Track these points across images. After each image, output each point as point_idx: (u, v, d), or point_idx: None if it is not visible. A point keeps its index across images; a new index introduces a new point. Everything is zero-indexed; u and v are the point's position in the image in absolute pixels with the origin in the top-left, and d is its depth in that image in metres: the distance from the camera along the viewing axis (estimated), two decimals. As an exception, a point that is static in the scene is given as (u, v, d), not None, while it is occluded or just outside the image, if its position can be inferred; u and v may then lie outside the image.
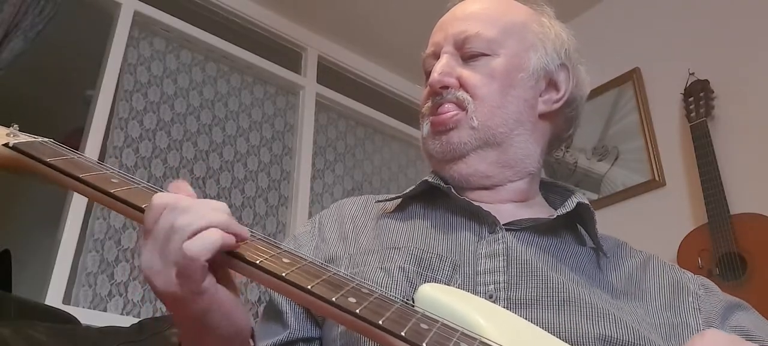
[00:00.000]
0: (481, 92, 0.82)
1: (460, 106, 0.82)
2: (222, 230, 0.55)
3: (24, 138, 0.66)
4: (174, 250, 0.54)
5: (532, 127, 0.85)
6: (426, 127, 0.86)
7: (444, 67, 0.83)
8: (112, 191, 0.59)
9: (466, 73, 0.83)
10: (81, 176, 0.60)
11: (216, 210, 0.56)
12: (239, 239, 0.56)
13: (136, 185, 0.61)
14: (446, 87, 0.83)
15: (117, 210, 0.59)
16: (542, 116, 0.87)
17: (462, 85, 0.83)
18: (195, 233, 0.54)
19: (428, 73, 0.88)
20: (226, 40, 2.52)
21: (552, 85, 0.88)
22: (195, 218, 0.54)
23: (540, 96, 0.86)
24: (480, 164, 0.82)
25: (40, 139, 0.66)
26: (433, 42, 0.88)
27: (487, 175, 0.83)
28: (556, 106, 0.87)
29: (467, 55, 0.84)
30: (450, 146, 0.82)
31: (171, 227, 0.54)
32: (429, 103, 0.86)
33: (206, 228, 0.54)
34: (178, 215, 0.55)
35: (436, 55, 0.86)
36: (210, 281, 0.55)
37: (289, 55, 2.77)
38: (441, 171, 0.85)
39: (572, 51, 0.90)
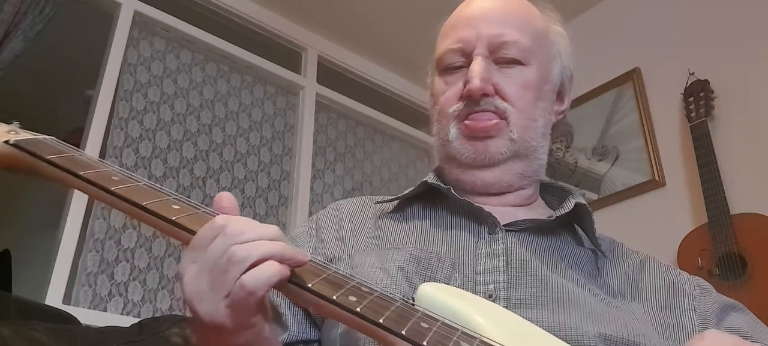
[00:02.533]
0: (519, 103, 0.80)
1: (500, 115, 0.80)
2: (279, 259, 0.53)
3: (25, 135, 0.65)
4: (230, 281, 0.51)
5: (548, 137, 0.86)
6: (454, 130, 0.82)
7: (483, 72, 0.80)
8: (113, 189, 0.58)
9: (503, 81, 0.81)
10: (82, 173, 0.59)
11: (273, 239, 0.54)
12: (297, 264, 0.54)
13: (137, 183, 0.60)
14: (486, 95, 0.80)
15: (118, 208, 0.59)
16: (552, 126, 0.88)
17: (498, 93, 0.81)
18: (253, 265, 0.52)
19: (449, 68, 0.85)
20: (226, 40, 2.51)
21: (559, 96, 0.88)
22: (253, 248, 0.52)
23: (554, 107, 0.87)
24: (506, 175, 0.82)
25: (41, 136, 0.65)
26: (459, 38, 0.84)
27: (509, 184, 0.82)
28: (561, 116, 0.89)
29: (502, 61, 0.82)
30: (487, 154, 0.80)
31: (227, 256, 0.52)
32: (459, 106, 0.82)
33: (264, 259, 0.52)
34: (232, 242, 0.52)
35: (463, 53, 0.83)
36: (259, 315, 0.54)
37: (289, 55, 2.77)
38: (460, 175, 0.83)
39: (571, 58, 0.90)
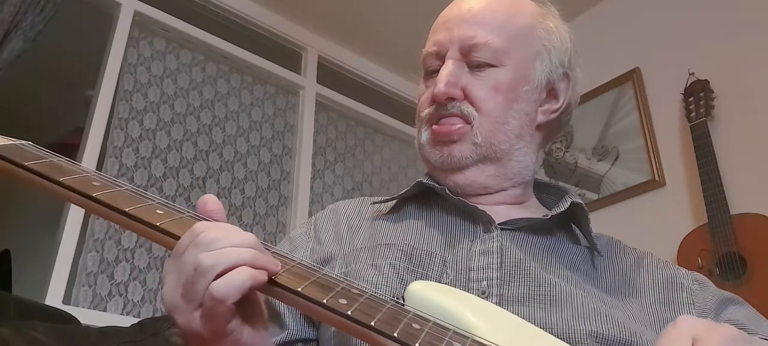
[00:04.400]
0: (486, 106, 0.80)
1: (465, 119, 0.80)
2: (250, 266, 0.52)
3: (1, 141, 0.62)
4: (199, 292, 0.51)
5: (530, 139, 0.84)
6: (425, 134, 0.84)
7: (450, 77, 0.80)
8: (94, 195, 0.57)
9: (472, 85, 0.81)
10: (61, 179, 0.58)
11: (242, 245, 0.53)
12: (269, 273, 0.53)
13: (119, 188, 0.59)
14: (452, 99, 0.80)
15: (100, 215, 0.57)
16: (539, 126, 0.86)
17: (466, 97, 0.81)
18: (222, 273, 0.51)
19: (428, 71, 0.86)
20: (226, 40, 2.52)
21: (552, 94, 0.86)
22: (220, 257, 0.51)
23: (540, 106, 0.85)
24: (478, 177, 0.82)
25: (18, 142, 0.63)
26: (436, 40, 0.84)
27: (485, 186, 0.82)
28: (554, 115, 0.86)
29: (473, 64, 0.81)
30: (451, 159, 0.81)
31: (195, 266, 0.51)
32: (430, 110, 0.83)
33: (233, 267, 0.51)
34: (201, 252, 0.51)
35: (439, 56, 0.84)
36: (235, 322, 0.53)
37: (289, 55, 2.77)
38: (437, 177, 0.84)
39: (573, 55, 0.88)
